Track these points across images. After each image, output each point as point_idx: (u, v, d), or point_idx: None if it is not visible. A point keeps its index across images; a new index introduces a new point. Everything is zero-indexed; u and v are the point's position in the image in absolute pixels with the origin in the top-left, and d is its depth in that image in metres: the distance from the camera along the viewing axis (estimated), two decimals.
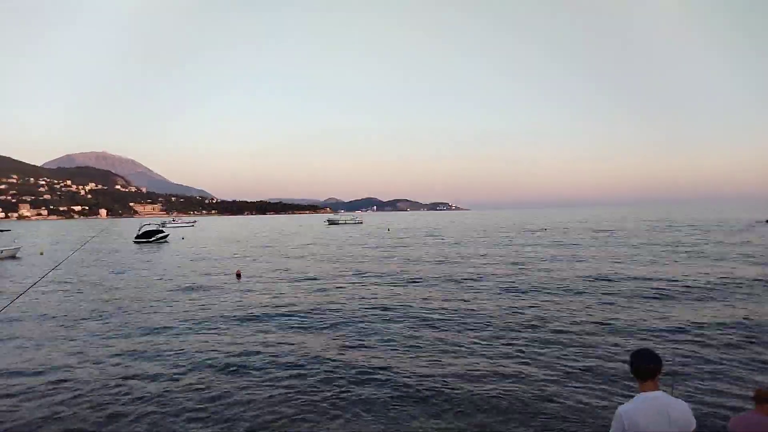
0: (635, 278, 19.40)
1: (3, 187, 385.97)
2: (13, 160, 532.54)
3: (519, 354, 10.08)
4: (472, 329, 12.15)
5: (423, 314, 14.02)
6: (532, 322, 12.63)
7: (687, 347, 10.12)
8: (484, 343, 10.95)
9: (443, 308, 14.74)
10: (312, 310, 15.05)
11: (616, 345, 10.39)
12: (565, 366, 9.17)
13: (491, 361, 9.62)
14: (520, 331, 11.78)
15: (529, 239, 44.26)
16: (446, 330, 12.17)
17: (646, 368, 3.19)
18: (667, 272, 20.67)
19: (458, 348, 10.61)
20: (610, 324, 12.23)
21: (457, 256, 30.58)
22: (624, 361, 8.44)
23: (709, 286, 17.18)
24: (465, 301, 15.96)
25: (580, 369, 8.98)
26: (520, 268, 23.81)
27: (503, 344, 10.80)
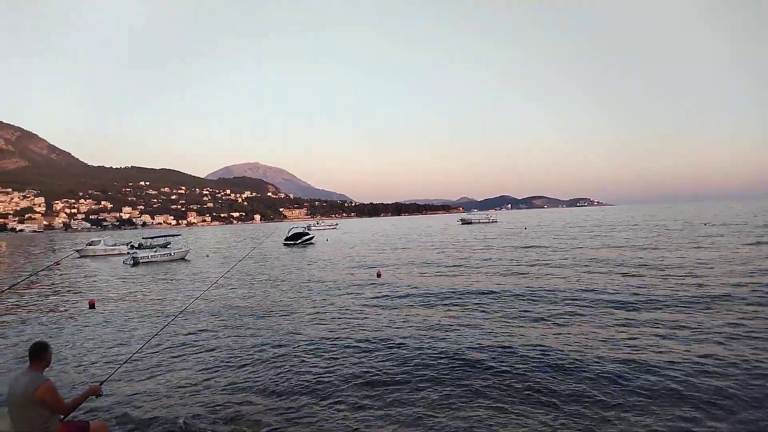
0: None
1: (174, 197, 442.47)
2: (182, 173, 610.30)
3: None
4: None
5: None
6: None
7: None
8: None
9: None
10: (454, 309, 14.59)
11: None
12: None
13: None
14: None
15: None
16: None
17: None
18: None
19: None
20: None
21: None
22: None
23: None
24: None
25: None
26: None
27: None
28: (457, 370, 9.08)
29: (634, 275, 19.74)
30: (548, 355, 9.69)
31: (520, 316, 13.35)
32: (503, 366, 9.15)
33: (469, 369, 9.11)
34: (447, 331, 12.08)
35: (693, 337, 10.59)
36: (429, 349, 10.55)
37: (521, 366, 9.10)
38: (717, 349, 9.63)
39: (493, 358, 9.67)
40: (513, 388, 8.10)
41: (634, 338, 10.67)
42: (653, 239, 37.74)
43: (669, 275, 19.21)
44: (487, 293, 17.28)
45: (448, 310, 14.69)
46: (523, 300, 15.69)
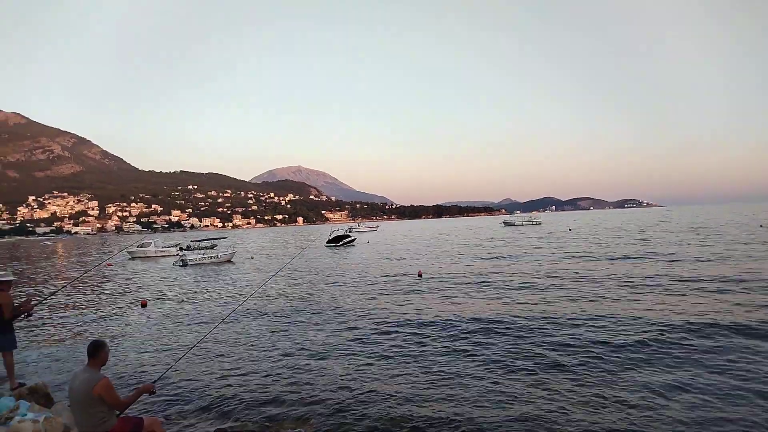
0: None
1: (220, 200, 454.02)
2: (228, 177, 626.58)
3: None
4: None
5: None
6: None
7: None
8: None
9: None
10: (486, 313, 14.08)
11: None
12: None
13: None
14: None
15: None
16: None
17: None
18: None
19: None
20: None
21: None
22: None
23: None
24: None
25: None
26: None
27: None
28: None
29: (689, 293, 16.47)
30: None
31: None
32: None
33: None
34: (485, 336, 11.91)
35: None
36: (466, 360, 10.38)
37: None
38: None
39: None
40: None
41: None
42: (708, 246, 35.95)
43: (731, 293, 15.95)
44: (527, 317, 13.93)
45: (488, 312, 14.46)
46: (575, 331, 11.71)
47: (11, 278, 8.10)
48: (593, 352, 9.98)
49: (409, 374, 9.16)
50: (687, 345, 10.13)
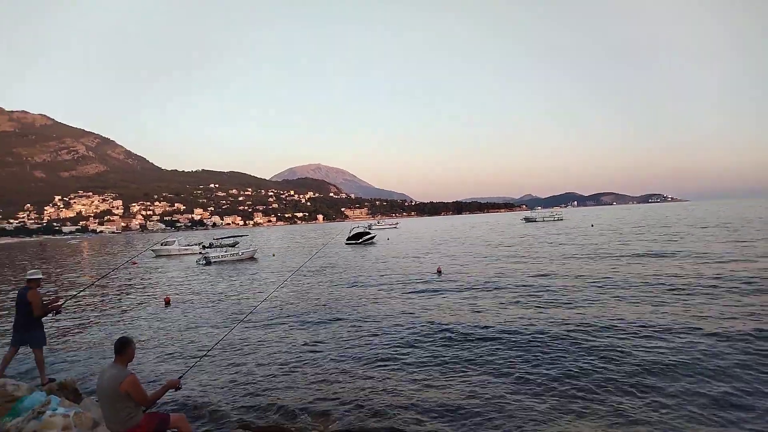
0: None
1: (242, 198, 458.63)
2: (249, 175, 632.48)
3: None
4: None
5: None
6: None
7: None
8: None
9: None
10: (506, 314, 13.78)
11: None
12: None
13: None
14: None
15: None
16: None
17: None
18: None
19: None
20: None
21: None
22: None
23: None
24: None
25: None
26: None
27: None
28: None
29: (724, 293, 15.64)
30: None
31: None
32: None
33: None
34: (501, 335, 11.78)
35: None
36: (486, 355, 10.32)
37: None
38: None
39: None
40: None
41: None
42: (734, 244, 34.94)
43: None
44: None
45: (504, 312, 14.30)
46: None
47: (40, 276, 8.28)
48: (627, 361, 9.11)
49: (429, 377, 9.02)
50: (726, 355, 9.23)
